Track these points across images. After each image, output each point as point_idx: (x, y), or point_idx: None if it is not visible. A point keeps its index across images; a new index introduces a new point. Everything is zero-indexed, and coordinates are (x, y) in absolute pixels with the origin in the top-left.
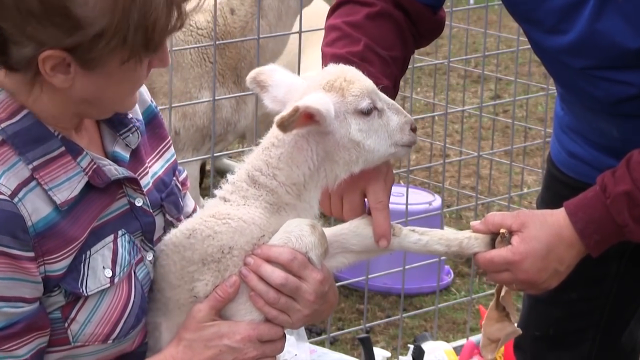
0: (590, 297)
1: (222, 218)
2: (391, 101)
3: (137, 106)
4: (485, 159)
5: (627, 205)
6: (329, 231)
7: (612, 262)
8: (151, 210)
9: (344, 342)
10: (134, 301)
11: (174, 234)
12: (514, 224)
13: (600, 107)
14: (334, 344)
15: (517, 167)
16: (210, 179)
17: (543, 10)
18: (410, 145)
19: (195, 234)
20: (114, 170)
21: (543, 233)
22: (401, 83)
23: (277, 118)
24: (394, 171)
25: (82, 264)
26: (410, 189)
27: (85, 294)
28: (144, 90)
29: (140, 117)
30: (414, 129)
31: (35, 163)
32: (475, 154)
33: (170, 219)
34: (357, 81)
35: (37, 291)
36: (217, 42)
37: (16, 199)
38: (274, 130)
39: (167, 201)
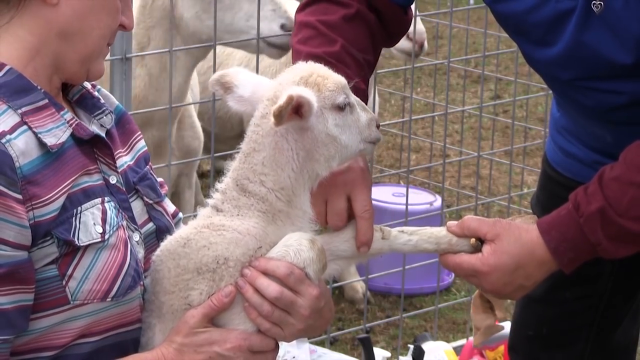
0: (584, 296)
1: (217, 229)
2: (357, 99)
3: (109, 100)
4: (485, 159)
5: (601, 223)
6: (319, 240)
7: (607, 261)
8: (124, 189)
9: (344, 342)
10: (129, 263)
11: (169, 240)
12: (489, 233)
13: (592, 115)
14: (334, 344)
15: (517, 167)
16: (210, 178)
17: (530, 21)
18: (375, 142)
19: (190, 243)
20: (94, 130)
21: (515, 249)
22: (401, 83)
23: (273, 108)
24: (394, 171)
25: (74, 218)
26: (411, 189)
27: (78, 244)
28: (110, 94)
29: (113, 110)
30: (378, 126)
31: (24, 109)
32: (475, 154)
33: (150, 201)
34: (330, 77)
35: (22, 236)
36: (217, 43)
37: (4, 140)
38: (252, 135)
39: (142, 185)
